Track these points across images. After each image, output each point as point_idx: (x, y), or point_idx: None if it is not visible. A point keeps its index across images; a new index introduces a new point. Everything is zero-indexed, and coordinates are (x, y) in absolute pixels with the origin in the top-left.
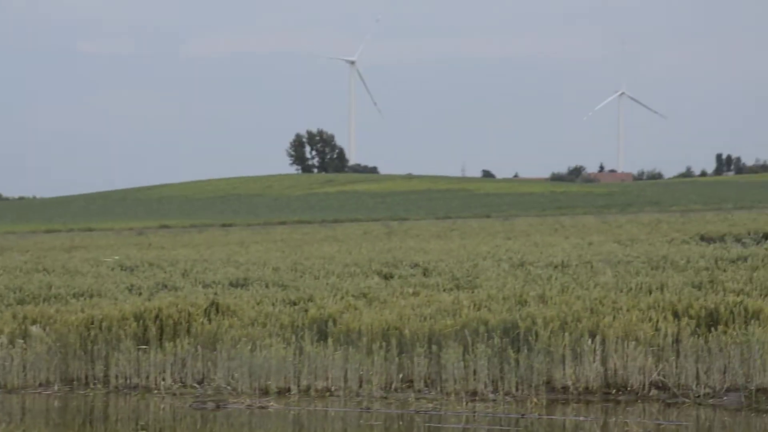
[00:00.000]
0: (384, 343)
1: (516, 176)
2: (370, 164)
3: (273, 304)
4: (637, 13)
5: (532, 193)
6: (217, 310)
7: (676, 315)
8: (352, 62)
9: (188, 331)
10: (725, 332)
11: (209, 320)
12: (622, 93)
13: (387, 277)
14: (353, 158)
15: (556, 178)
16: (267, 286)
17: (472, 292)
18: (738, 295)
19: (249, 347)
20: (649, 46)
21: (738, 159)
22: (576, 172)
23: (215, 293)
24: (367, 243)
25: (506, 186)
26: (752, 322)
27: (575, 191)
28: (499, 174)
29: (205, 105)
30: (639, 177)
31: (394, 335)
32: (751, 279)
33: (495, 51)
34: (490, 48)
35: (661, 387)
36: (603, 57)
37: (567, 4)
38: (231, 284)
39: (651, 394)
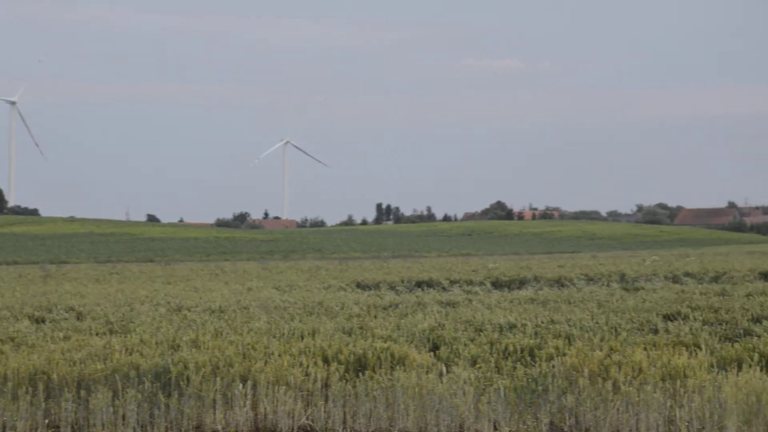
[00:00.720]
0: (31, 389)
1: (181, 221)
2: (31, 206)
3: None
4: (305, 62)
5: (197, 238)
6: None
7: (326, 360)
8: (13, 102)
9: None
10: (372, 377)
11: None
12: (287, 141)
13: (39, 321)
14: (13, 200)
15: (221, 224)
16: None
17: (125, 337)
18: (385, 341)
19: None
20: (316, 96)
21: (397, 209)
22: (241, 219)
23: None
24: (21, 286)
25: (170, 231)
26: (397, 367)
27: (239, 237)
28: (165, 219)
29: None
30: (303, 224)
31: (42, 380)
32: (399, 326)
33: (164, 95)
34: (157, 92)
35: (310, 431)
36: (269, 104)
37: (233, 50)
38: None
39: None
